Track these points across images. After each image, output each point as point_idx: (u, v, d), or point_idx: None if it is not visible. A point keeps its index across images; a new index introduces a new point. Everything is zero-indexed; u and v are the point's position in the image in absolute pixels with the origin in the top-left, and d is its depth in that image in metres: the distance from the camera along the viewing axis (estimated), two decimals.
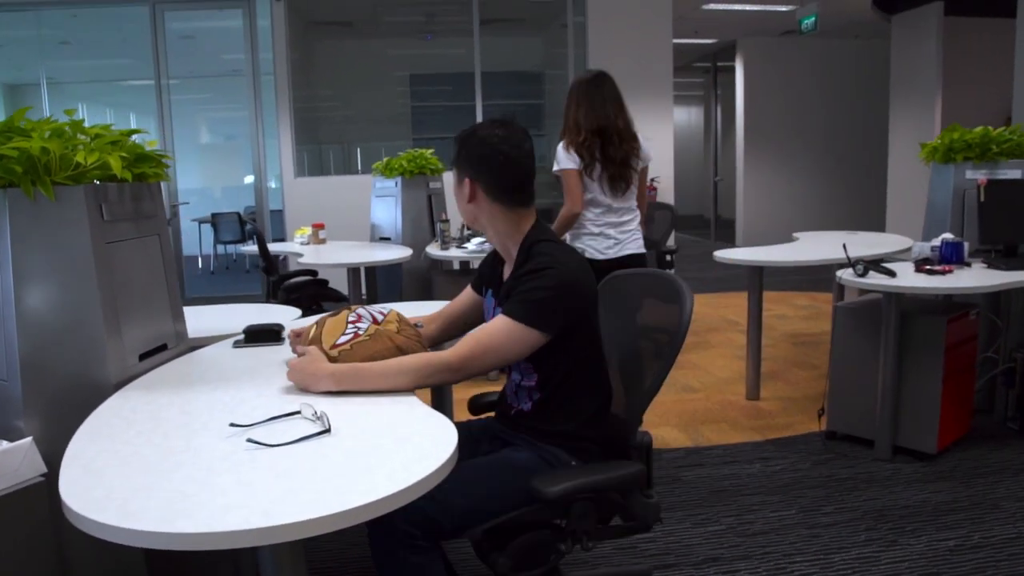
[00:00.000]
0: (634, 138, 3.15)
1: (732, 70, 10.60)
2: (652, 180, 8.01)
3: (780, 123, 10.20)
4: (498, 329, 1.67)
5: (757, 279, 3.90)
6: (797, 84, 10.12)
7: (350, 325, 1.73)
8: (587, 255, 3.07)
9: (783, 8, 8.02)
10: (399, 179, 5.25)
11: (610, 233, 3.12)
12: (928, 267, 3.15)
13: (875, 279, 3.03)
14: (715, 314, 6.23)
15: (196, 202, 10.05)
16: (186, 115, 10.82)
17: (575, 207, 3.08)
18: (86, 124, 1.88)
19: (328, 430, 1.40)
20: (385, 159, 5.40)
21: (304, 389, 1.62)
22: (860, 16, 8.60)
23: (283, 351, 2.06)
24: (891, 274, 3.06)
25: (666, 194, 8.11)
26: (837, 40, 9.94)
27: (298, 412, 1.48)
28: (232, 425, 1.44)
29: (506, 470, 1.71)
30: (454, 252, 4.60)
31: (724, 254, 4.02)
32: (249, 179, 8.23)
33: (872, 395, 3.14)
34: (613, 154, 3.07)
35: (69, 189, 1.74)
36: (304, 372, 1.63)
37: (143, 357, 1.93)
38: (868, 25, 9.04)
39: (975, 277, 3.07)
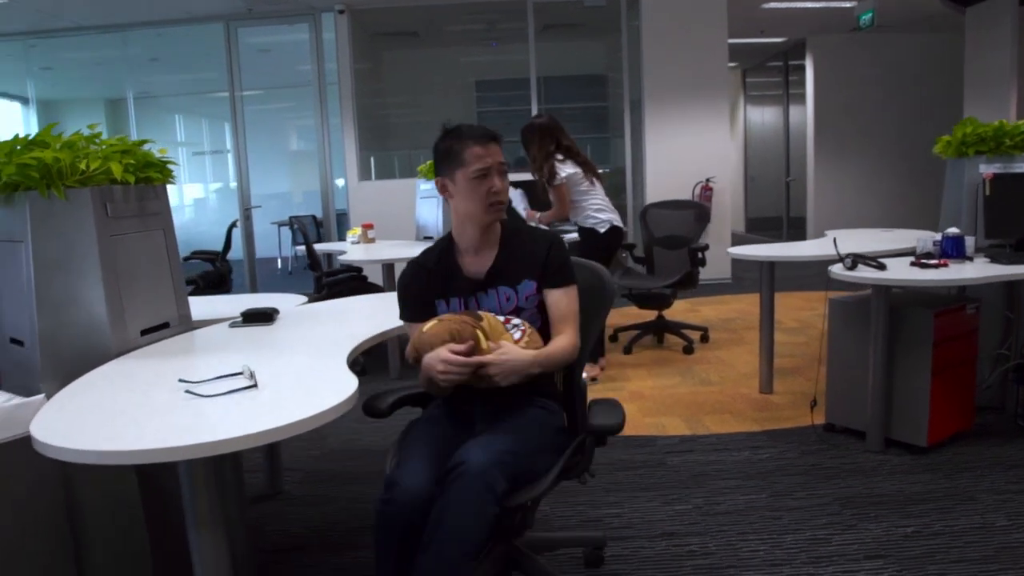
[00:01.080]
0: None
1: (803, 68, 10.43)
2: (708, 180, 8.03)
3: (851, 121, 9.97)
4: (572, 298, 2.00)
5: (768, 275, 3.96)
6: (868, 80, 9.87)
7: (510, 326, 1.92)
8: (614, 224, 4.43)
9: (846, 4, 7.88)
10: None
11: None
12: (923, 261, 3.17)
13: (863, 272, 3.09)
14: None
15: (277, 206, 10.68)
16: (271, 123, 11.48)
17: (566, 212, 4.48)
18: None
19: (255, 385, 1.66)
20: (428, 162, 5.69)
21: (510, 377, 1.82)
22: (931, 9, 8.34)
23: (270, 330, 2.36)
24: (881, 267, 3.11)
25: (723, 194, 8.12)
26: (908, 35, 9.64)
27: (240, 373, 1.75)
28: (180, 380, 1.72)
29: (546, 428, 1.97)
30: None
31: (737, 250, 4.10)
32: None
33: (867, 388, 3.18)
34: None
35: (78, 191, 2.07)
36: (509, 366, 1.81)
37: (145, 332, 2.25)
38: (941, 18, 8.75)
39: (965, 270, 3.08)
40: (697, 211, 5.59)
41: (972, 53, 8.04)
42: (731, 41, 10.50)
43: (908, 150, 9.78)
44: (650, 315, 5.37)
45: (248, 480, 3.12)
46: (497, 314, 1.96)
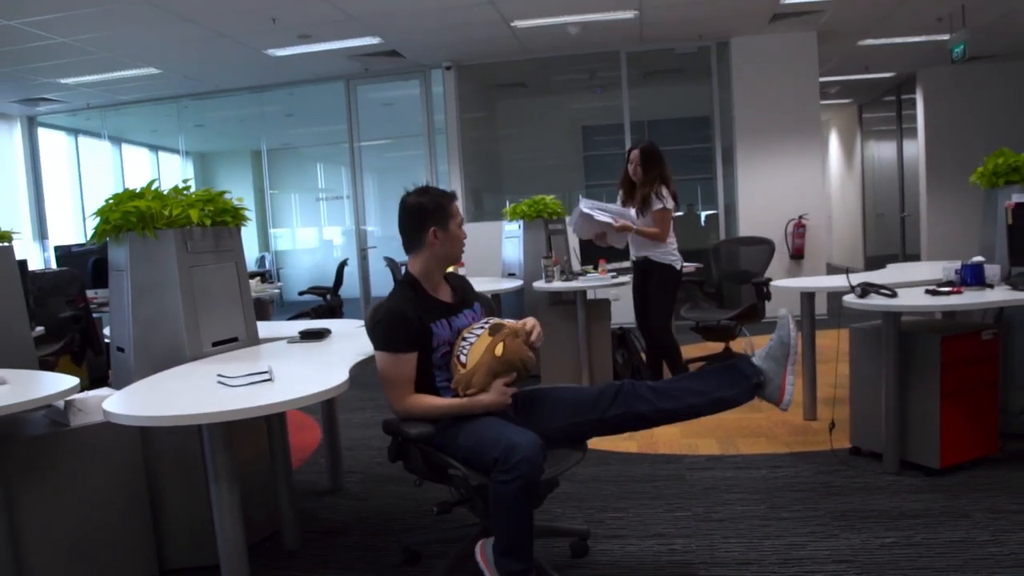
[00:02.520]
0: None
1: (915, 102, 10.21)
2: (800, 217, 8.06)
3: (962, 153, 9.59)
4: None
5: (808, 305, 4.12)
6: (978, 112, 9.52)
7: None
8: (675, 266, 4.60)
9: (941, 37, 7.76)
10: (521, 222, 5.99)
11: None
12: (937, 289, 3.28)
13: (871, 300, 3.24)
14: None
15: (396, 247, 11.50)
16: (393, 170, 12.44)
17: (666, 236, 4.57)
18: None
19: (271, 380, 2.14)
20: (512, 205, 6.17)
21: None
22: None
23: (318, 346, 2.88)
24: (892, 295, 3.25)
25: (817, 230, 8.11)
26: (1018, 63, 9.28)
27: (266, 372, 2.24)
28: (219, 375, 2.23)
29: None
30: (555, 284, 5.23)
31: (778, 283, 4.30)
32: None
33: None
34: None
35: (165, 231, 2.67)
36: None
37: (216, 344, 2.81)
38: None
39: (976, 297, 3.17)
40: (769, 247, 5.74)
41: None
42: (836, 78, 10.50)
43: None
44: (717, 347, 5.54)
45: (315, 479, 3.66)
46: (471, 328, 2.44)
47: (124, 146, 10.72)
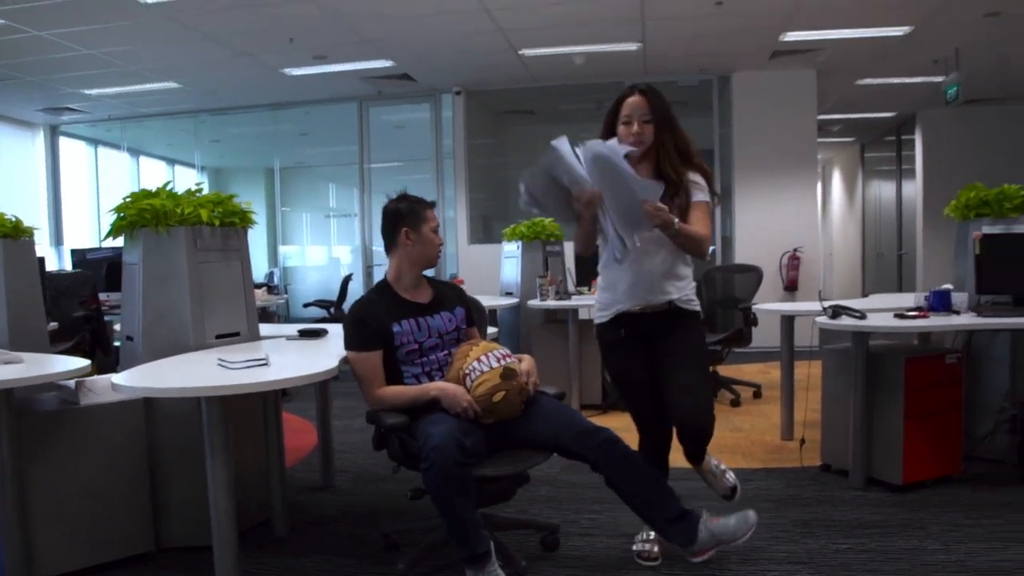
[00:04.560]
0: None
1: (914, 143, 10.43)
2: (795, 250, 8.25)
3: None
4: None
5: (787, 328, 4.29)
6: (975, 153, 9.69)
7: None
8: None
9: (936, 79, 7.98)
10: (520, 243, 6.19)
11: None
12: (904, 313, 3.45)
13: (843, 321, 3.41)
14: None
15: None
16: (409, 191, 12.70)
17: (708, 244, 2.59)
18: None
19: (266, 363, 2.33)
20: (512, 226, 6.37)
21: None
22: None
23: (314, 343, 3.06)
24: (861, 317, 3.41)
25: (811, 264, 8.28)
26: (1018, 105, 9.51)
27: (263, 358, 2.43)
28: (219, 359, 2.41)
29: None
30: (549, 303, 5.42)
31: (761, 306, 4.46)
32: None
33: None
34: None
35: (177, 229, 2.87)
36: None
37: (219, 336, 3.00)
38: None
39: (940, 321, 3.33)
40: (757, 274, 5.91)
41: None
42: (838, 116, 10.72)
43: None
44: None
45: (309, 476, 3.83)
46: (444, 330, 2.68)
47: (142, 158, 11.03)
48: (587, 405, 5.19)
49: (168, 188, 2.97)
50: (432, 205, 2.74)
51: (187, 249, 2.87)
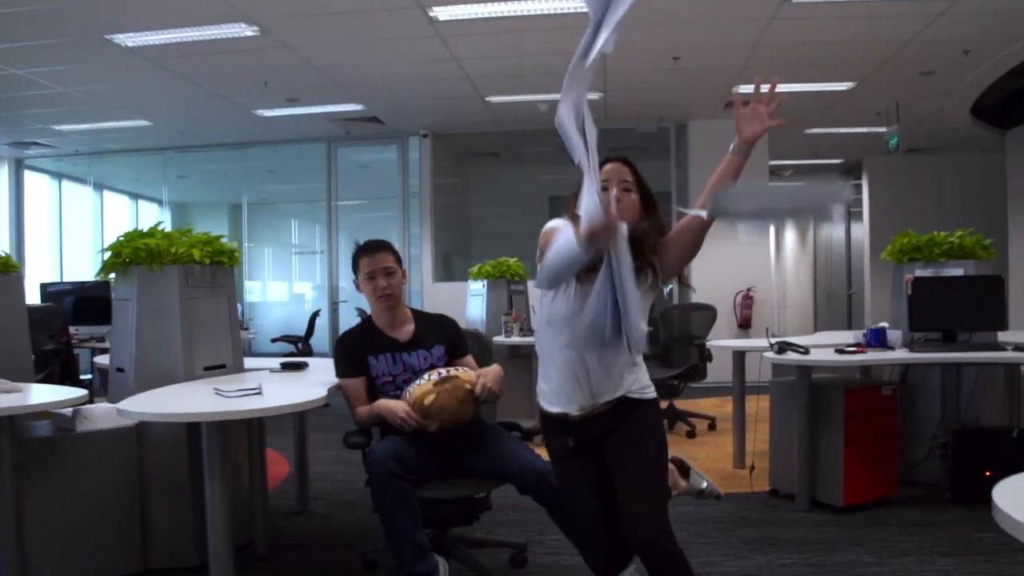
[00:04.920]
0: None
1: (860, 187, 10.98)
2: (749, 290, 8.63)
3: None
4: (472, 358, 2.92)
5: (739, 363, 4.58)
6: (919, 198, 10.28)
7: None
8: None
9: (879, 129, 8.50)
10: (485, 281, 6.43)
11: None
12: (844, 349, 3.76)
13: (788, 356, 3.70)
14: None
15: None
16: (369, 230, 12.90)
17: None
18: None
19: (260, 393, 2.52)
20: (478, 265, 6.62)
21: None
22: (970, 132, 8.85)
23: (296, 375, 3.24)
24: (805, 352, 3.71)
25: (763, 304, 8.67)
26: (957, 154, 10.12)
27: (256, 388, 2.62)
28: (215, 388, 2.60)
29: None
30: (513, 339, 5.66)
31: (713, 343, 4.75)
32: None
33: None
34: None
35: (169, 267, 3.05)
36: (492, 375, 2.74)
37: (207, 368, 3.17)
38: (987, 139, 9.22)
39: (875, 356, 3.65)
40: (712, 313, 6.22)
41: (1014, 172, 8.47)
42: (789, 162, 11.25)
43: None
44: (663, 404, 5.96)
45: (285, 502, 3.97)
46: (418, 367, 2.81)
47: (105, 192, 11.07)
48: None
49: (162, 229, 3.16)
50: (368, 250, 2.81)
51: (179, 286, 3.06)
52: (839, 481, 3.59)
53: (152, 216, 11.67)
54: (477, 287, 6.57)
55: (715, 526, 3.48)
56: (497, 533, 3.41)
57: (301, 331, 8.68)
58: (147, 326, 3.04)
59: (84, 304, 6.48)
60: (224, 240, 3.36)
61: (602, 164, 2.08)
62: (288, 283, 12.61)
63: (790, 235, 15.36)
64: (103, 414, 2.87)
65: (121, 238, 3.13)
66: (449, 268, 9.73)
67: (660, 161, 9.37)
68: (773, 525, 3.49)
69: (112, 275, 3.22)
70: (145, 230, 3.16)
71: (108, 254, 3.13)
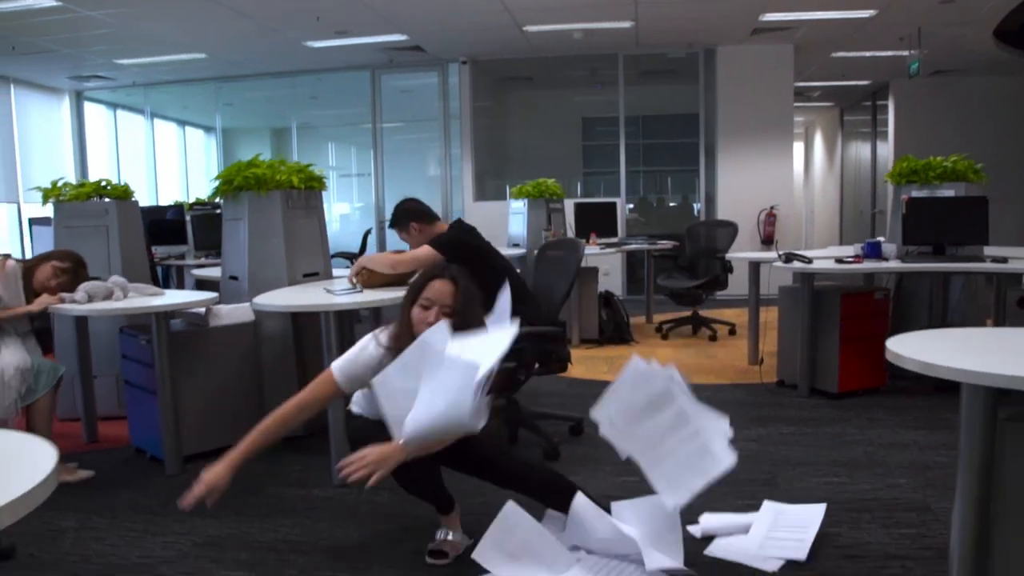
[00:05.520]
0: None
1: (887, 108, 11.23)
2: (772, 207, 9.10)
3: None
4: None
5: (754, 272, 5.16)
6: (944, 120, 10.52)
7: None
8: None
9: (903, 53, 8.75)
10: (526, 200, 7.01)
11: None
12: (842, 259, 4.31)
13: (794, 265, 4.27)
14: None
15: None
16: (410, 152, 13.38)
17: None
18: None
19: (360, 291, 3.18)
20: (519, 185, 7.18)
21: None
22: (995, 54, 9.06)
23: None
24: (808, 262, 4.28)
25: (787, 220, 9.14)
26: (982, 77, 10.31)
27: (356, 286, 3.27)
28: (325, 289, 3.26)
29: None
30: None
31: (731, 255, 5.33)
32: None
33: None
34: None
35: (273, 192, 3.68)
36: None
37: (305, 276, 3.83)
38: (1013, 63, 9.40)
39: (870, 265, 4.21)
40: (733, 229, 6.77)
41: None
42: (817, 83, 11.48)
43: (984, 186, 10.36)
44: (687, 312, 6.60)
45: None
46: None
47: (156, 120, 11.69)
48: (586, 340, 6.06)
49: (264, 160, 3.77)
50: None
51: (282, 207, 3.69)
52: (835, 372, 4.21)
53: (199, 142, 12.32)
54: (518, 206, 7.15)
55: (726, 408, 4.07)
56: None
57: (349, 248, 9.35)
58: (256, 242, 3.70)
59: (160, 226, 7.19)
60: (312, 168, 3.97)
61: (433, 276, 2.32)
62: (330, 204, 13.26)
63: (819, 153, 15.62)
64: (228, 313, 3.55)
65: (230, 168, 3.75)
66: (482, 187, 10.25)
67: (689, 85, 9.72)
68: (776, 407, 4.13)
69: (218, 198, 3.87)
70: (246, 161, 3.78)
71: (218, 182, 3.76)
